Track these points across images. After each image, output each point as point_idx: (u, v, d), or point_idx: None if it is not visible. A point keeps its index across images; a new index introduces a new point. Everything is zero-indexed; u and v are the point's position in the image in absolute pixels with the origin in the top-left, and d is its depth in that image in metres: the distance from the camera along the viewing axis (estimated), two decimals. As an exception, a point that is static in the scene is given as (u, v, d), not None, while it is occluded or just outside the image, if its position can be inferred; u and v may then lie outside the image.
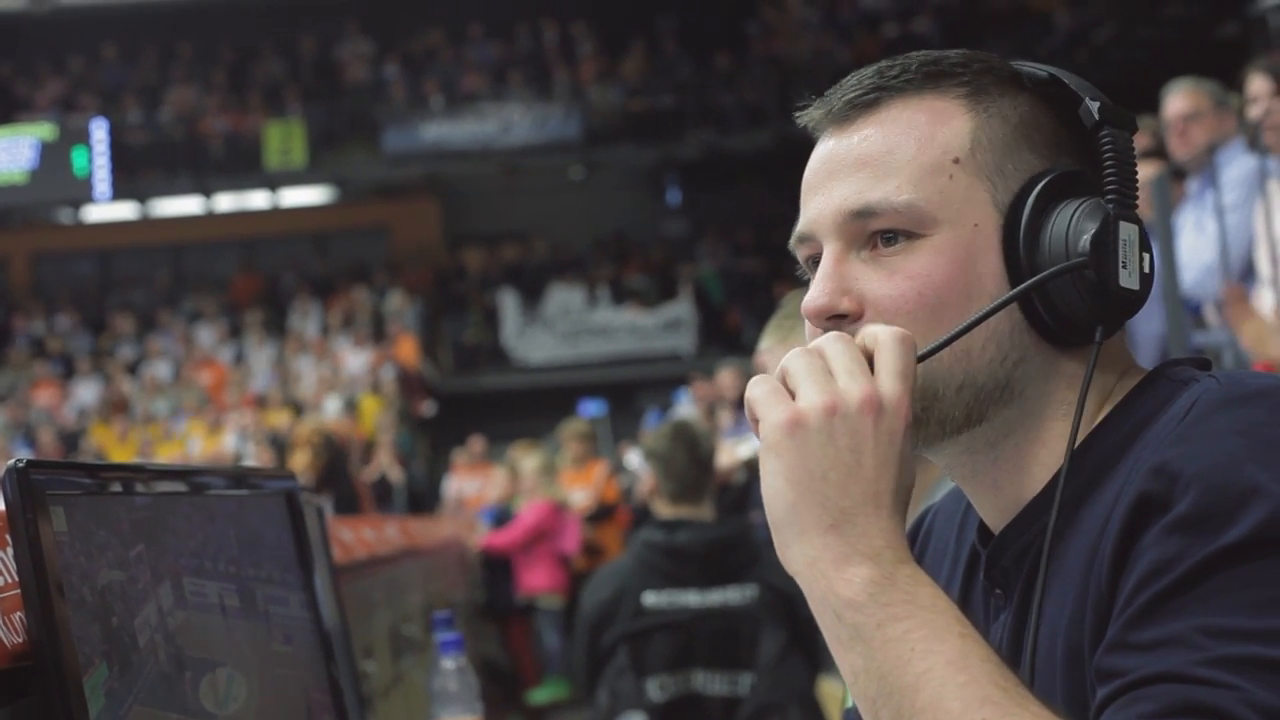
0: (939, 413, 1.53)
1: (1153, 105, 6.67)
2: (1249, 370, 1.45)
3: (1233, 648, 1.23)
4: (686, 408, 12.24)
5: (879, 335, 1.45)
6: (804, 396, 1.41)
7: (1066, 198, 1.51)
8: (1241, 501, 1.27)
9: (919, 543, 1.79)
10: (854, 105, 1.58)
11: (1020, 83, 1.57)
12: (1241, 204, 5.91)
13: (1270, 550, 1.26)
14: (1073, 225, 1.49)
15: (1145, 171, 6.36)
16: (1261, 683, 1.22)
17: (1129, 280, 1.49)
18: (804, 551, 1.42)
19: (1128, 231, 1.49)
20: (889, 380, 1.42)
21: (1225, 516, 1.27)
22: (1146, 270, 1.51)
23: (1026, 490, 1.54)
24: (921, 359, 1.48)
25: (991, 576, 1.57)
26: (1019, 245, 1.50)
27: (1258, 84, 5.90)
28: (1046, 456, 1.53)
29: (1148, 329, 6.15)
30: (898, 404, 1.42)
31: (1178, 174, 6.45)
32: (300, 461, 7.20)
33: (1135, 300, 1.50)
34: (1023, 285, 1.50)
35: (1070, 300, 1.49)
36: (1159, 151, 6.56)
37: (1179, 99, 6.42)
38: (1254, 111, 5.86)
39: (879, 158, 1.55)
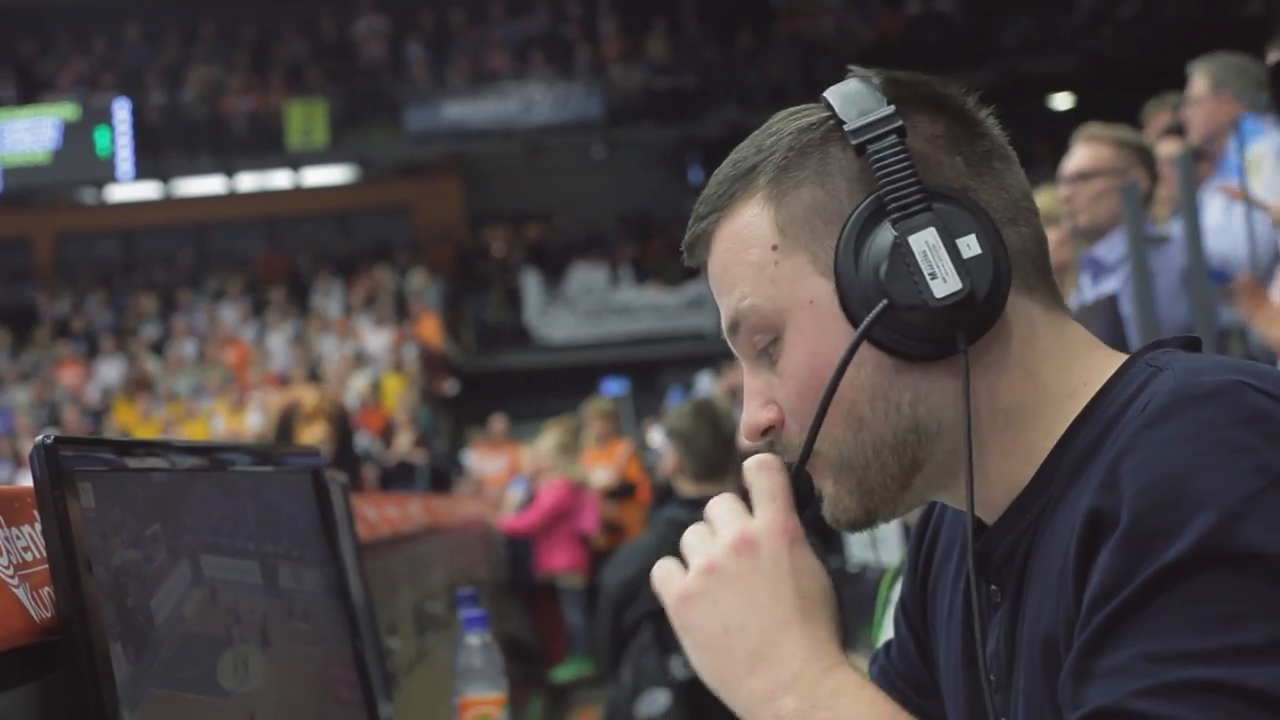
0: (876, 479, 1.53)
1: (1178, 83, 6.63)
2: (1210, 359, 1.40)
3: (1176, 673, 1.22)
4: (707, 386, 12.24)
5: (746, 470, 1.53)
6: (691, 567, 1.51)
7: (871, 230, 1.47)
8: (1184, 517, 1.25)
9: (928, 535, 1.77)
10: (695, 244, 1.63)
11: (826, 136, 1.52)
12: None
13: (1213, 565, 1.23)
14: (870, 264, 1.46)
15: (1167, 149, 6.36)
16: (1202, 706, 1.20)
17: (945, 288, 1.42)
18: (738, 702, 1.48)
19: (923, 240, 1.43)
20: (761, 508, 1.51)
21: (1168, 534, 1.25)
22: (972, 255, 1.43)
23: (1011, 487, 1.51)
24: (796, 468, 1.53)
25: (985, 574, 1.54)
26: (852, 304, 1.47)
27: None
28: (1013, 462, 1.50)
29: (1172, 314, 6.09)
30: (771, 526, 1.50)
31: (1201, 153, 6.41)
32: (316, 434, 6.75)
33: (975, 297, 1.43)
34: (844, 355, 1.48)
35: (912, 329, 1.45)
36: (1183, 130, 6.53)
37: (1202, 78, 6.38)
38: None
39: (722, 277, 1.60)
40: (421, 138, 26.83)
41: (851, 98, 1.50)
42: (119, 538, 1.58)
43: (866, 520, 1.58)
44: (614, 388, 20.06)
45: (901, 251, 1.43)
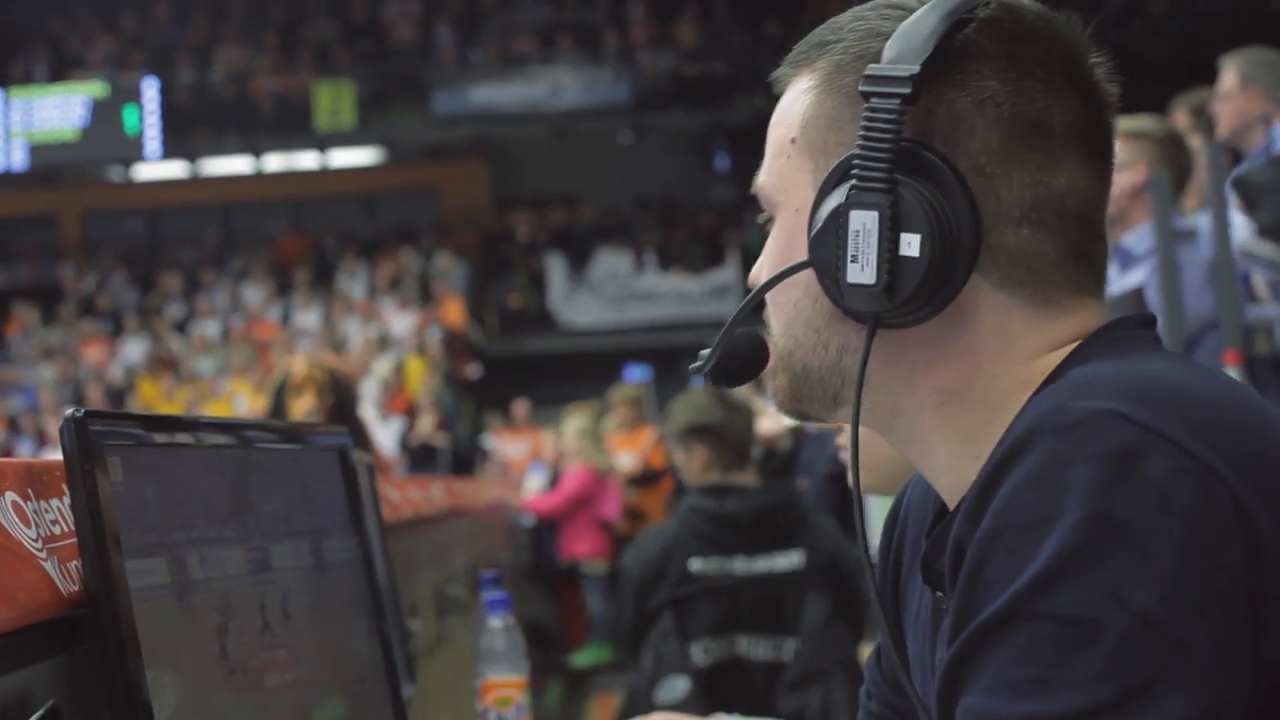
0: (804, 391, 1.55)
1: (1209, 78, 6.61)
2: (1107, 372, 1.32)
3: None
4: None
5: None
6: None
7: (836, 182, 1.44)
8: (1015, 567, 1.21)
9: (896, 531, 1.75)
10: (776, 90, 1.59)
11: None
12: None
13: (1029, 622, 1.20)
14: (821, 213, 1.44)
15: (1193, 144, 6.33)
16: None
17: (860, 275, 1.40)
18: None
19: (862, 220, 1.39)
20: None
21: (1000, 582, 1.22)
22: (908, 253, 1.38)
23: (957, 484, 1.47)
24: (711, 353, 1.64)
25: (929, 580, 1.53)
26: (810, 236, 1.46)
27: None
28: (955, 447, 1.48)
29: (1199, 308, 6.05)
30: None
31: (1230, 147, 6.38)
32: (305, 405, 6.26)
33: (887, 296, 1.40)
34: (757, 289, 1.51)
35: (831, 294, 1.45)
36: (1211, 123, 6.51)
37: (1231, 72, 6.35)
38: None
39: (767, 143, 1.58)
40: (448, 120, 26.85)
41: (908, 35, 1.41)
42: (147, 512, 1.58)
43: (799, 417, 1.61)
44: (636, 374, 20.06)
45: (839, 221, 1.41)
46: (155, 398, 21.47)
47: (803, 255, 1.47)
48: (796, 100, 1.53)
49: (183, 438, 1.74)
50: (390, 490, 4.54)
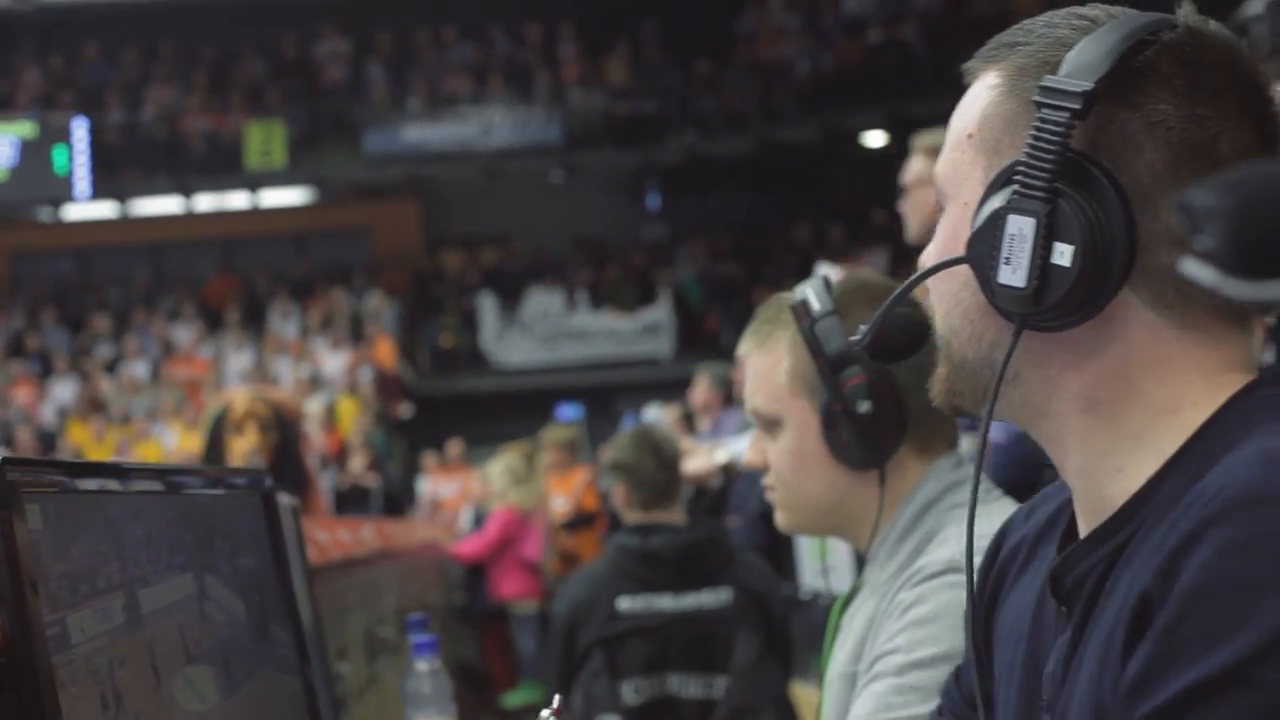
0: (957, 383, 1.59)
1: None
2: None
3: None
4: (656, 414, 12.23)
5: None
6: None
7: (1001, 184, 1.48)
8: (1227, 631, 1.22)
9: (1004, 551, 1.76)
10: (964, 80, 1.62)
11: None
12: None
13: (1240, 689, 1.20)
14: (984, 213, 1.48)
15: None
16: None
17: (1010, 277, 1.43)
18: None
19: (1019, 225, 1.43)
20: None
21: (1208, 643, 1.22)
22: (1059, 262, 1.41)
23: (1098, 500, 1.49)
24: (869, 330, 1.67)
25: (1055, 593, 1.53)
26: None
27: None
28: (1095, 457, 1.49)
29: None
30: None
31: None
32: (246, 444, 5.72)
33: (1036, 300, 1.43)
34: (917, 275, 1.55)
35: (984, 291, 1.49)
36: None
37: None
38: None
39: (948, 132, 1.61)
40: (379, 160, 26.81)
41: (1087, 51, 1.44)
42: (67, 560, 1.57)
43: (952, 411, 1.63)
44: (569, 413, 20.09)
45: (998, 222, 1.45)
46: (85, 440, 21.32)
47: (963, 249, 1.51)
48: (979, 96, 1.56)
49: (106, 484, 1.74)
50: (319, 532, 4.52)
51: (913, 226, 5.69)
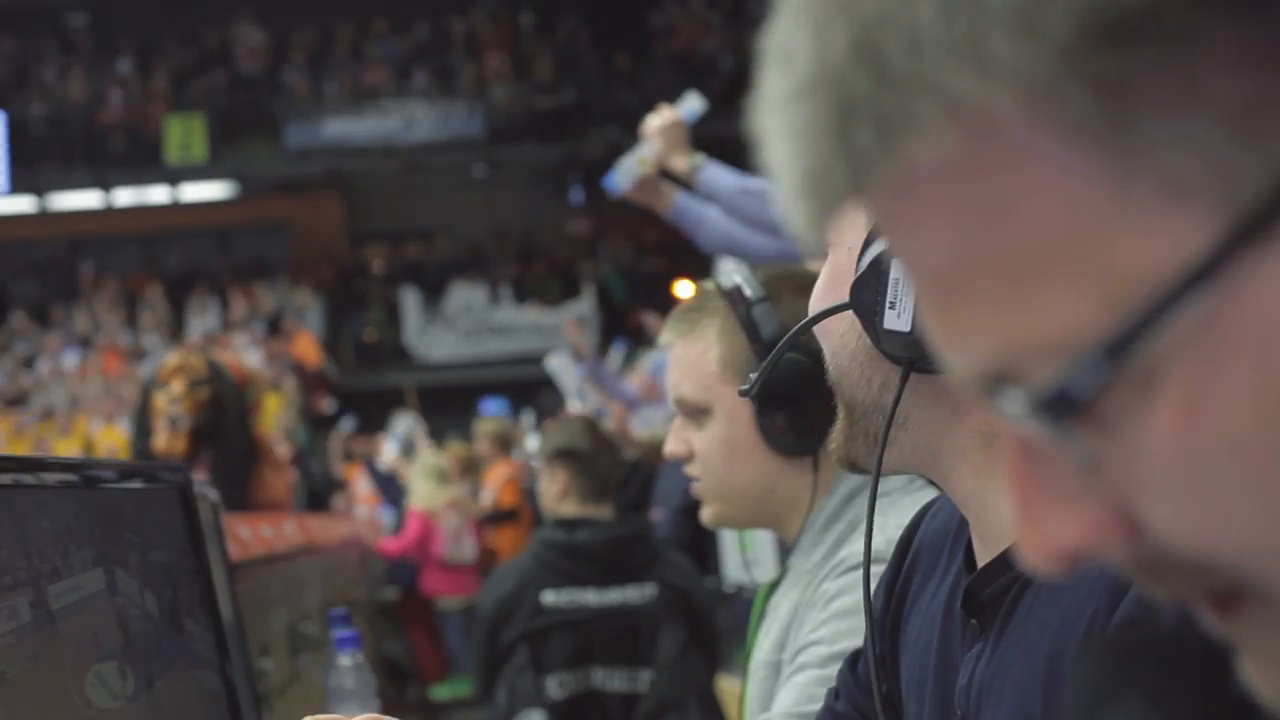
0: (856, 429, 1.57)
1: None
2: None
3: None
4: (576, 404, 12.19)
5: None
6: None
7: None
8: None
9: (910, 554, 1.76)
10: None
11: None
12: None
13: None
14: (865, 262, 1.47)
15: None
16: None
17: (895, 322, 1.43)
18: None
19: (901, 269, 1.38)
20: None
21: None
22: None
23: (1005, 528, 1.48)
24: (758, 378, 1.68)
25: (968, 607, 1.53)
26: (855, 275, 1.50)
27: None
28: (987, 494, 1.49)
29: None
30: None
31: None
32: (167, 396, 5.20)
33: (921, 344, 1.40)
34: (799, 324, 1.56)
35: (870, 336, 1.48)
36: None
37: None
38: None
39: None
40: (301, 154, 26.70)
41: None
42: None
43: (849, 466, 1.62)
44: (493, 407, 20.04)
45: (880, 267, 1.44)
46: (5, 434, 21.14)
47: (849, 293, 1.49)
48: None
49: (22, 478, 1.71)
50: (241, 528, 4.49)
51: None
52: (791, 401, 1.72)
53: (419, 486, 12.07)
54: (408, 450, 14.80)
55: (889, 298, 1.43)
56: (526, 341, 25.03)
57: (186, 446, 5.23)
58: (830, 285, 1.57)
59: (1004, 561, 1.47)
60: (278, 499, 5.70)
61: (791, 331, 1.58)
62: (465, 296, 25.75)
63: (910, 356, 1.44)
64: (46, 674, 1.64)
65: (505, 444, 13.13)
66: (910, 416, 1.50)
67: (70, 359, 23.99)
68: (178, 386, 5.23)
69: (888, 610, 1.76)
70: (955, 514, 1.66)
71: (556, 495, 5.35)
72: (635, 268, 26.08)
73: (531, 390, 22.74)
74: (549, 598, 5.09)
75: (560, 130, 26.18)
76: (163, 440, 5.23)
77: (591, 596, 5.09)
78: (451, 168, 27.47)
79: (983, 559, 1.52)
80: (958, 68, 0.60)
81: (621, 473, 5.49)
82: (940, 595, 1.63)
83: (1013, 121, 0.61)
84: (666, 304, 18.98)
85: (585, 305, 25.18)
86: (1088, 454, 0.65)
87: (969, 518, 1.56)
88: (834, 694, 1.88)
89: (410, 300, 25.76)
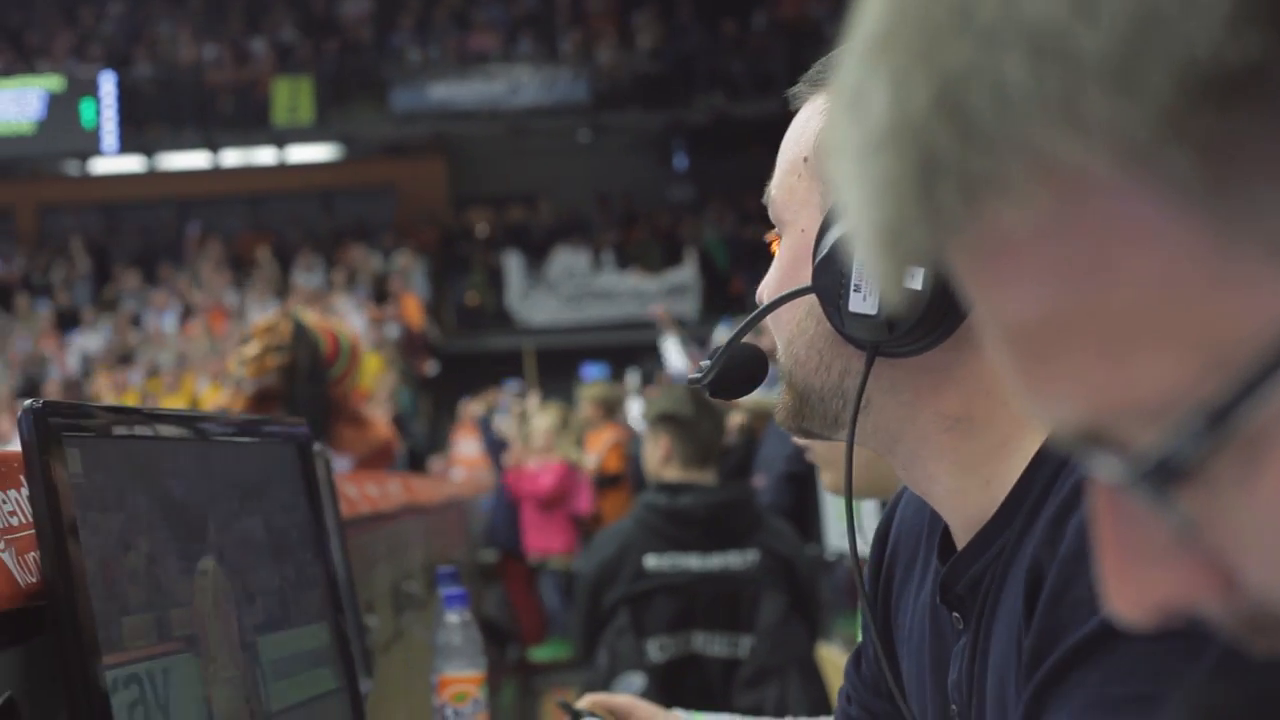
0: (807, 410, 1.54)
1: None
2: None
3: None
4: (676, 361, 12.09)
5: None
6: None
7: None
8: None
9: (888, 547, 1.75)
10: (791, 106, 1.59)
11: None
12: None
13: (1130, 638, 1.18)
14: (827, 241, 1.45)
15: None
16: None
17: (862, 305, 1.40)
18: None
19: None
20: None
21: (1088, 604, 1.22)
22: (911, 285, 1.35)
23: (973, 512, 1.47)
24: (711, 367, 1.59)
25: (948, 601, 1.52)
26: (814, 261, 1.46)
27: None
28: (966, 474, 1.47)
29: None
30: None
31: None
32: (241, 355, 5.21)
33: (889, 327, 1.40)
34: (760, 310, 1.52)
35: (833, 320, 1.45)
36: None
37: None
38: None
39: (779, 154, 1.57)
40: (407, 117, 26.79)
41: None
42: (105, 504, 1.58)
43: (801, 435, 1.60)
44: (593, 372, 20.06)
45: (842, 251, 1.41)
46: (111, 391, 21.36)
47: (807, 277, 1.47)
48: (810, 120, 1.54)
49: (141, 430, 1.74)
50: (347, 486, 4.52)
51: None
52: (746, 390, 1.68)
53: (551, 441, 11.94)
54: (519, 413, 14.77)
55: (854, 280, 1.41)
56: (628, 307, 25.00)
57: (247, 408, 5.13)
58: (786, 270, 1.53)
59: (974, 550, 1.46)
60: (358, 458, 5.68)
61: (750, 318, 1.53)
62: (567, 261, 25.75)
63: (876, 340, 1.42)
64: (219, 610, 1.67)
65: (610, 409, 13.07)
66: (872, 400, 1.47)
67: (176, 319, 24.19)
68: (253, 348, 5.15)
69: (876, 606, 1.75)
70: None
71: (659, 460, 5.35)
72: (738, 235, 25.98)
73: (631, 355, 22.78)
74: (651, 561, 5.10)
75: (664, 96, 26.13)
76: (225, 399, 5.10)
77: (694, 561, 5.09)
78: (556, 132, 27.48)
79: (960, 542, 1.51)
80: (1050, 127, 0.59)
81: (724, 438, 5.47)
82: (925, 587, 1.62)
83: (1109, 184, 0.59)
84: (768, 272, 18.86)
85: (687, 272, 25.12)
86: (1186, 519, 0.63)
87: (931, 502, 1.55)
88: (845, 697, 1.88)
89: (513, 264, 25.79)
